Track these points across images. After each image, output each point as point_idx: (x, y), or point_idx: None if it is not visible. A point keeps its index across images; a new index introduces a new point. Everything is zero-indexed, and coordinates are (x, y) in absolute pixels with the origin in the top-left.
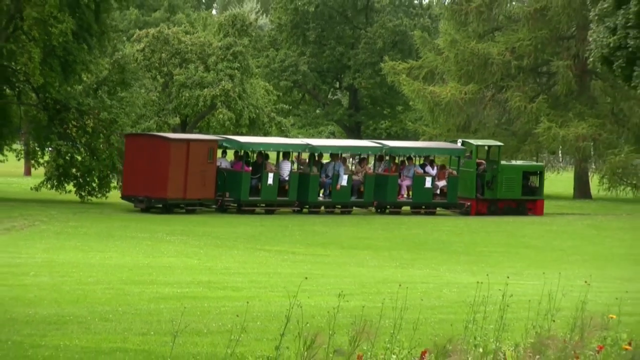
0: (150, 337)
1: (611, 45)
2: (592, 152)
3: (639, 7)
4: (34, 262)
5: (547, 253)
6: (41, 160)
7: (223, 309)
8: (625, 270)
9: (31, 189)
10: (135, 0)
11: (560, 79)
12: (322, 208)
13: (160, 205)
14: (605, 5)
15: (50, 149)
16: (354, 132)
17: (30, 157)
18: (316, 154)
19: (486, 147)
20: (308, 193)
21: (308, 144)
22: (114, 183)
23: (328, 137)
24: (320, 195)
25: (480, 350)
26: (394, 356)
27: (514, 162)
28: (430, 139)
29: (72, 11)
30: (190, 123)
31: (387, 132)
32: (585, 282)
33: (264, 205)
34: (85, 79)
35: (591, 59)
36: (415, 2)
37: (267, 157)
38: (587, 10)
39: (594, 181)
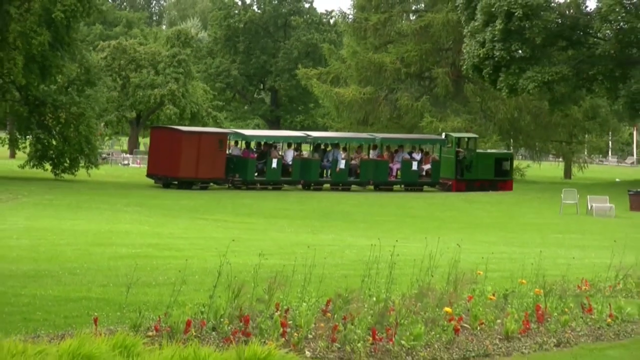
0: (110, 288)
1: (481, 56)
2: None
3: (503, 25)
4: (16, 228)
5: (429, 222)
6: (22, 146)
7: (168, 266)
8: (491, 236)
9: (18, 167)
10: (99, 18)
11: (440, 83)
12: (328, 186)
13: (176, 182)
14: (476, 24)
15: (29, 136)
16: (274, 124)
17: (13, 143)
18: (322, 144)
19: (466, 139)
20: (310, 174)
21: (309, 135)
22: (82, 164)
23: (254, 129)
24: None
25: (374, 299)
26: (305, 304)
27: (488, 151)
28: (336, 131)
29: (48, 26)
30: (144, 116)
31: (301, 124)
32: (458, 245)
33: (270, 184)
34: (58, 80)
35: (465, 67)
36: (324, 20)
37: (273, 146)
38: (462, 28)
39: None
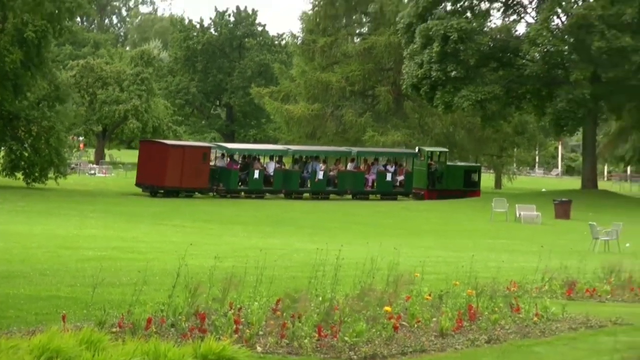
0: (77, 287)
1: (419, 76)
2: None
3: (440, 48)
4: None
5: (371, 228)
6: None
7: (131, 268)
8: (428, 241)
9: None
10: (69, 38)
11: (381, 100)
12: (308, 195)
13: (162, 191)
14: (415, 46)
15: (3, 148)
16: (229, 138)
17: None
18: (302, 157)
19: (437, 153)
20: (291, 184)
21: (289, 149)
22: (51, 174)
23: (210, 141)
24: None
25: (320, 299)
26: (256, 303)
27: (458, 163)
28: (286, 143)
29: (20, 45)
30: (109, 130)
31: (254, 138)
32: (395, 249)
33: (253, 193)
34: (30, 96)
35: (404, 86)
36: (276, 42)
37: (256, 158)
38: (402, 50)
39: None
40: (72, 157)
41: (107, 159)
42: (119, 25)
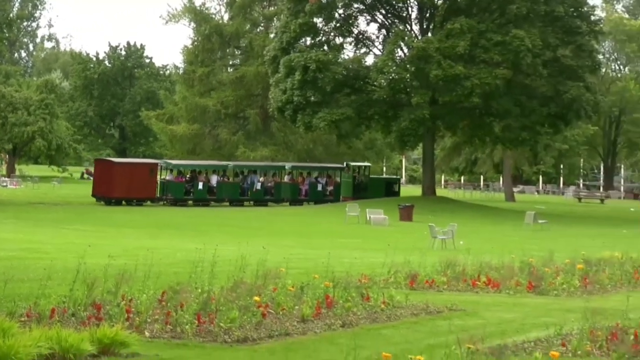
0: None
1: (283, 100)
2: None
3: (301, 76)
4: None
5: (244, 230)
6: None
7: (37, 265)
8: (291, 241)
9: None
10: None
11: (251, 121)
12: (252, 203)
13: (113, 201)
14: (280, 75)
15: None
16: (122, 154)
17: None
18: (242, 170)
19: (363, 167)
20: (232, 194)
21: (229, 164)
22: None
23: (106, 157)
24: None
25: (199, 290)
26: (145, 295)
27: (381, 176)
28: (170, 158)
29: None
30: (19, 148)
31: (143, 154)
32: (263, 247)
33: (199, 202)
34: None
35: (271, 109)
36: (161, 72)
37: (199, 172)
38: (269, 78)
39: None
40: None
41: (18, 173)
42: (26, 58)
